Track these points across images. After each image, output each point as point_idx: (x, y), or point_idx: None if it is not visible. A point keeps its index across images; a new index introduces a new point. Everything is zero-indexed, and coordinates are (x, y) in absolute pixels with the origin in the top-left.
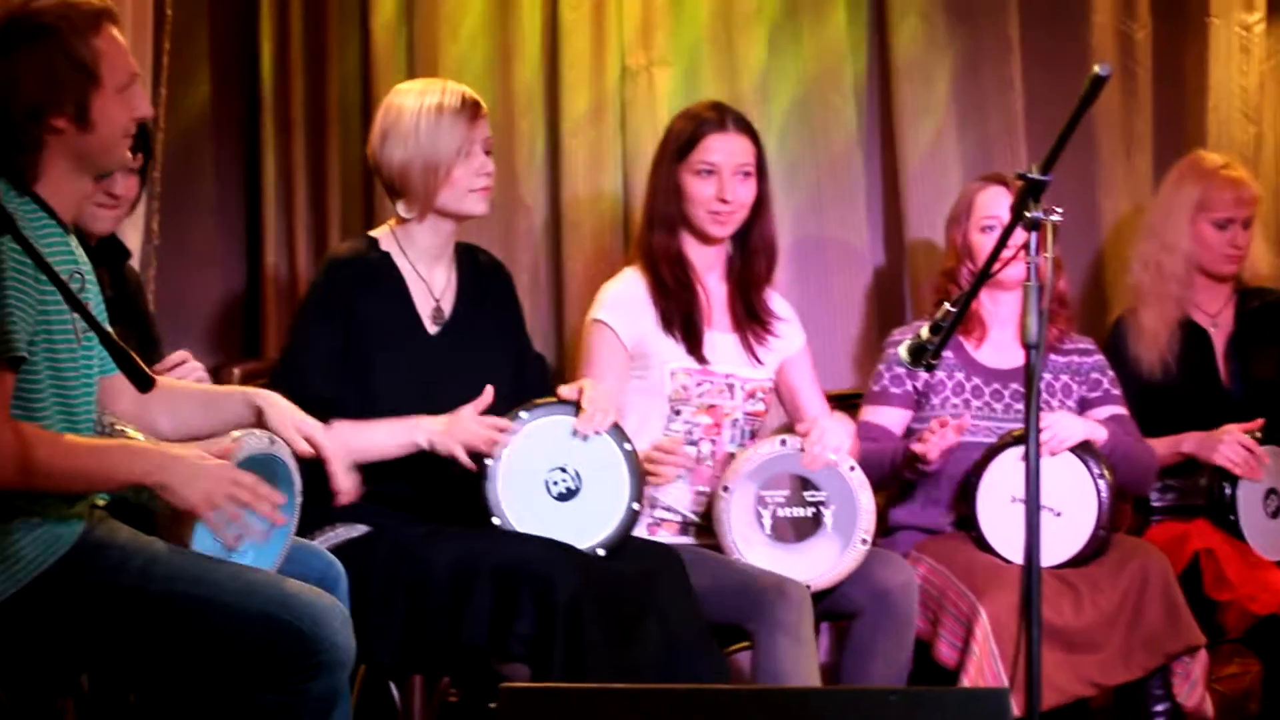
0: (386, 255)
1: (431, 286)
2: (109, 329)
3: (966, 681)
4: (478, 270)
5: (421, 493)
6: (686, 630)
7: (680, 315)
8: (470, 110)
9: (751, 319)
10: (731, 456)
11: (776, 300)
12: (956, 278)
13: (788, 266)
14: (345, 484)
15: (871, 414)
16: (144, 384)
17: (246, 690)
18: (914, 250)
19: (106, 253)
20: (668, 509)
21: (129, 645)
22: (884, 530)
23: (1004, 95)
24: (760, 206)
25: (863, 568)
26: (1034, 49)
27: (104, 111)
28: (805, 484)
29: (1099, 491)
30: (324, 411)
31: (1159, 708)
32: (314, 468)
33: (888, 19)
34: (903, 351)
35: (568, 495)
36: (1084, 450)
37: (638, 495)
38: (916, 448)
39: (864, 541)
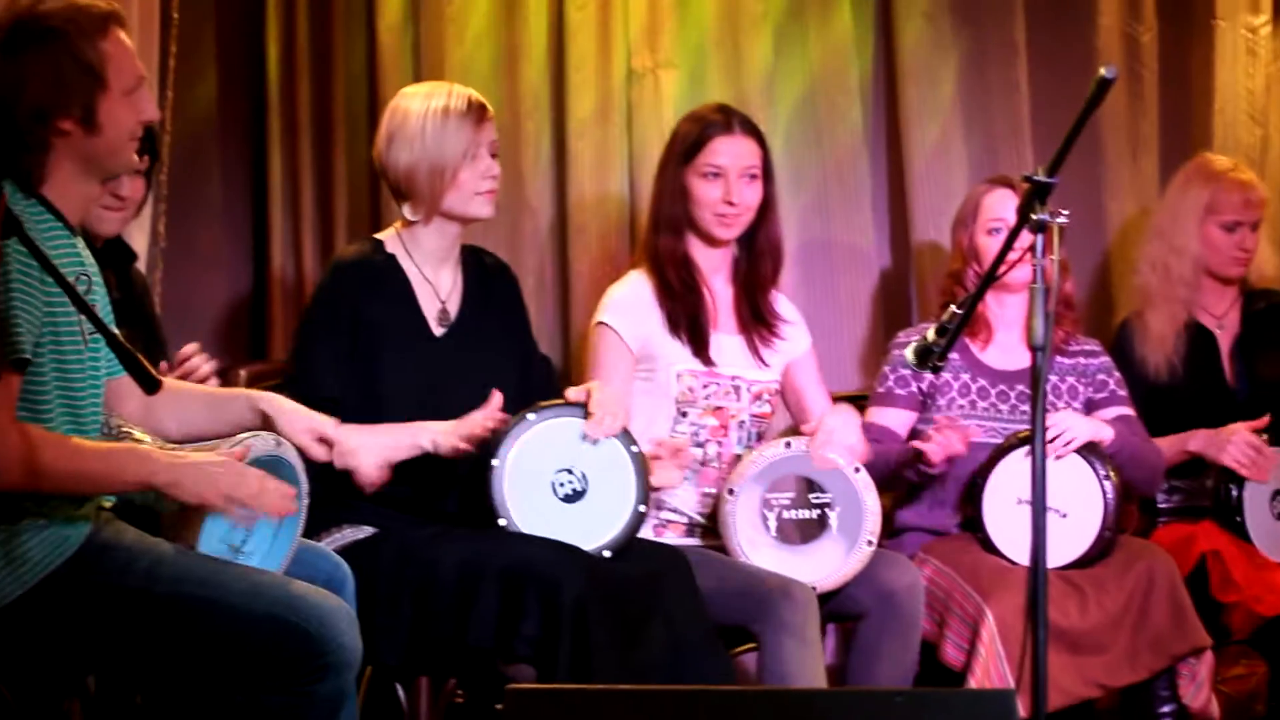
0: (392, 258)
1: (437, 289)
2: (115, 331)
3: (972, 683)
4: (483, 272)
5: (426, 494)
6: (692, 632)
7: (686, 317)
8: (476, 113)
9: (757, 321)
10: (738, 458)
11: (782, 302)
12: (962, 280)
13: (794, 268)
14: (371, 475)
15: (876, 415)
16: (150, 386)
17: (252, 691)
18: (920, 252)
19: (113, 255)
20: (674, 510)
21: (135, 646)
22: (890, 532)
23: (1010, 97)
24: (766, 209)
25: (869, 569)
26: (1040, 51)
27: (111, 114)
28: (811, 486)
29: (1105, 493)
30: (334, 414)
31: (1165, 709)
32: (322, 470)
33: (893, 21)
34: (909, 353)
35: (574, 497)
36: (1090, 451)
37: (644, 497)
38: (920, 445)
39: (869, 543)
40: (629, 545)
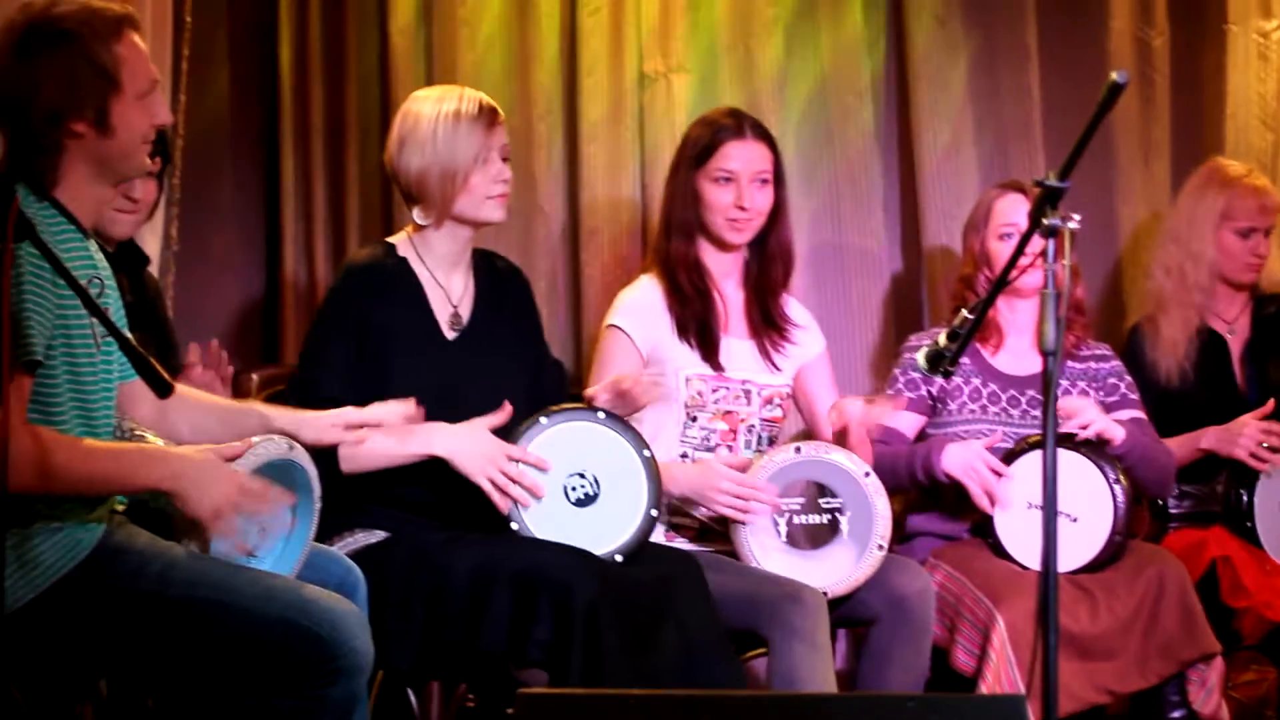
0: (404, 261)
1: (449, 293)
2: (128, 334)
3: (983, 688)
4: (495, 276)
5: (442, 499)
6: (704, 636)
7: (696, 322)
8: (487, 117)
9: (768, 325)
10: (748, 460)
11: (794, 306)
12: (974, 284)
13: (805, 272)
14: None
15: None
16: (162, 390)
17: (265, 695)
18: (931, 256)
19: (125, 258)
20: (685, 515)
21: (147, 650)
22: (901, 537)
23: (1021, 101)
24: (777, 213)
25: (879, 574)
26: (1051, 55)
27: (124, 117)
28: (822, 490)
29: (1115, 497)
30: None
31: (1175, 715)
32: (332, 474)
33: (904, 25)
34: (920, 358)
35: (586, 501)
36: (1100, 455)
37: (656, 502)
38: (978, 501)
39: (880, 548)
40: (641, 550)
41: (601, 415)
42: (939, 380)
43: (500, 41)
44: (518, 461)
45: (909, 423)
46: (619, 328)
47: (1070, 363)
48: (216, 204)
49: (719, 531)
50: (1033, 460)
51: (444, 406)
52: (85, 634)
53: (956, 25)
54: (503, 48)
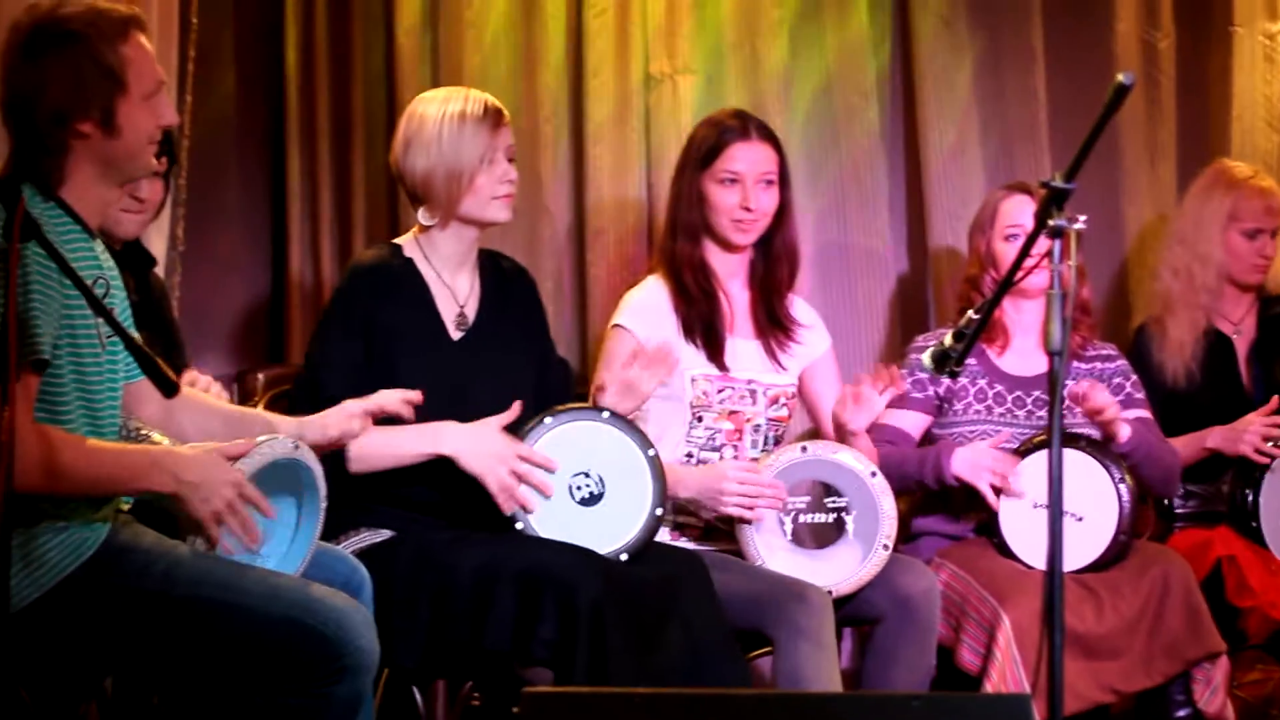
0: (410, 262)
1: (455, 293)
2: (134, 334)
3: (989, 687)
4: (501, 276)
5: (447, 498)
6: (709, 635)
7: (701, 322)
8: (493, 118)
9: (774, 325)
10: (754, 462)
11: (800, 306)
12: (980, 285)
13: (811, 273)
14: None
15: (890, 417)
16: (168, 390)
17: (270, 694)
18: (937, 257)
19: (131, 258)
20: (690, 514)
21: (153, 649)
22: (906, 536)
23: (1027, 103)
24: (782, 214)
25: (885, 573)
26: (1057, 57)
27: (130, 118)
28: (827, 490)
29: (1120, 496)
30: None
31: (1180, 714)
32: (340, 474)
33: (910, 26)
34: (926, 359)
35: (591, 500)
36: (1105, 455)
37: (661, 501)
38: (988, 498)
39: (885, 547)
40: (646, 549)
41: (606, 415)
42: (945, 380)
43: (506, 43)
44: (525, 460)
45: (915, 423)
46: (625, 328)
47: (1076, 363)
48: (222, 204)
49: (724, 531)
50: (1038, 460)
51: (450, 406)
52: (91, 633)
53: (962, 26)
54: (508, 49)
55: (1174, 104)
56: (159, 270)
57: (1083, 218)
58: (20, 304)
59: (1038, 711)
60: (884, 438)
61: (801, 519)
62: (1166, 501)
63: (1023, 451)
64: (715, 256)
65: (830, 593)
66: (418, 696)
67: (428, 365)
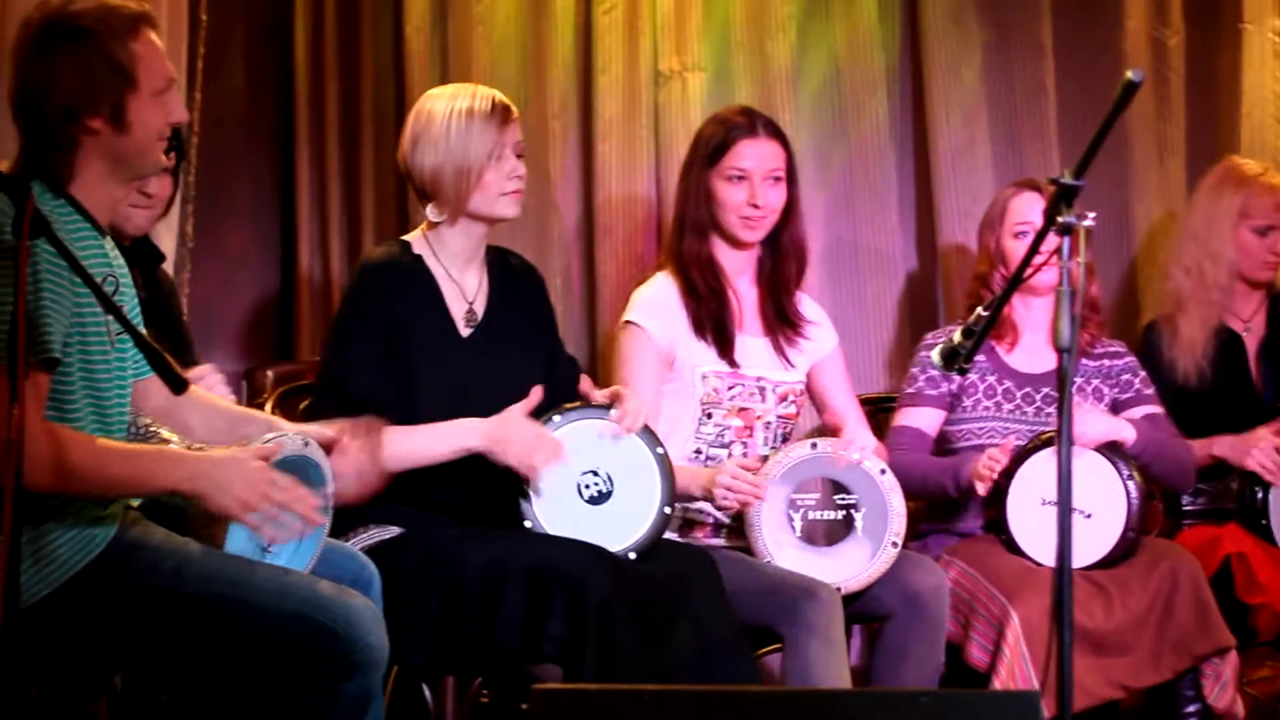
0: (419, 259)
1: (464, 289)
2: (143, 331)
3: (997, 684)
4: (509, 273)
5: (458, 495)
6: (719, 632)
7: (711, 319)
8: (501, 114)
9: (782, 322)
10: (764, 460)
11: (807, 303)
12: (989, 282)
13: (820, 271)
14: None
15: (907, 416)
16: (178, 387)
17: (279, 691)
18: (946, 255)
19: (139, 254)
20: (699, 511)
21: (162, 646)
22: (915, 533)
23: (1036, 100)
24: (790, 211)
25: (894, 570)
26: (1066, 54)
27: (140, 114)
28: (837, 487)
29: (1128, 493)
30: (368, 414)
31: (1190, 709)
32: None
33: (919, 22)
34: (935, 356)
35: (600, 499)
36: (1113, 452)
37: (670, 499)
38: (980, 488)
39: (895, 545)
40: (655, 546)
41: (614, 413)
42: (955, 377)
43: (515, 39)
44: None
45: (931, 420)
46: (638, 324)
47: (1084, 360)
48: (231, 201)
49: (734, 528)
50: (1047, 457)
51: (459, 402)
52: (100, 630)
53: (971, 23)
54: (518, 45)
55: (1183, 101)
56: (168, 267)
57: (1092, 214)
58: (30, 302)
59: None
60: (903, 441)
61: (811, 516)
62: (1176, 498)
63: (1031, 449)
64: (723, 253)
65: (839, 590)
66: (427, 693)
67: (438, 362)
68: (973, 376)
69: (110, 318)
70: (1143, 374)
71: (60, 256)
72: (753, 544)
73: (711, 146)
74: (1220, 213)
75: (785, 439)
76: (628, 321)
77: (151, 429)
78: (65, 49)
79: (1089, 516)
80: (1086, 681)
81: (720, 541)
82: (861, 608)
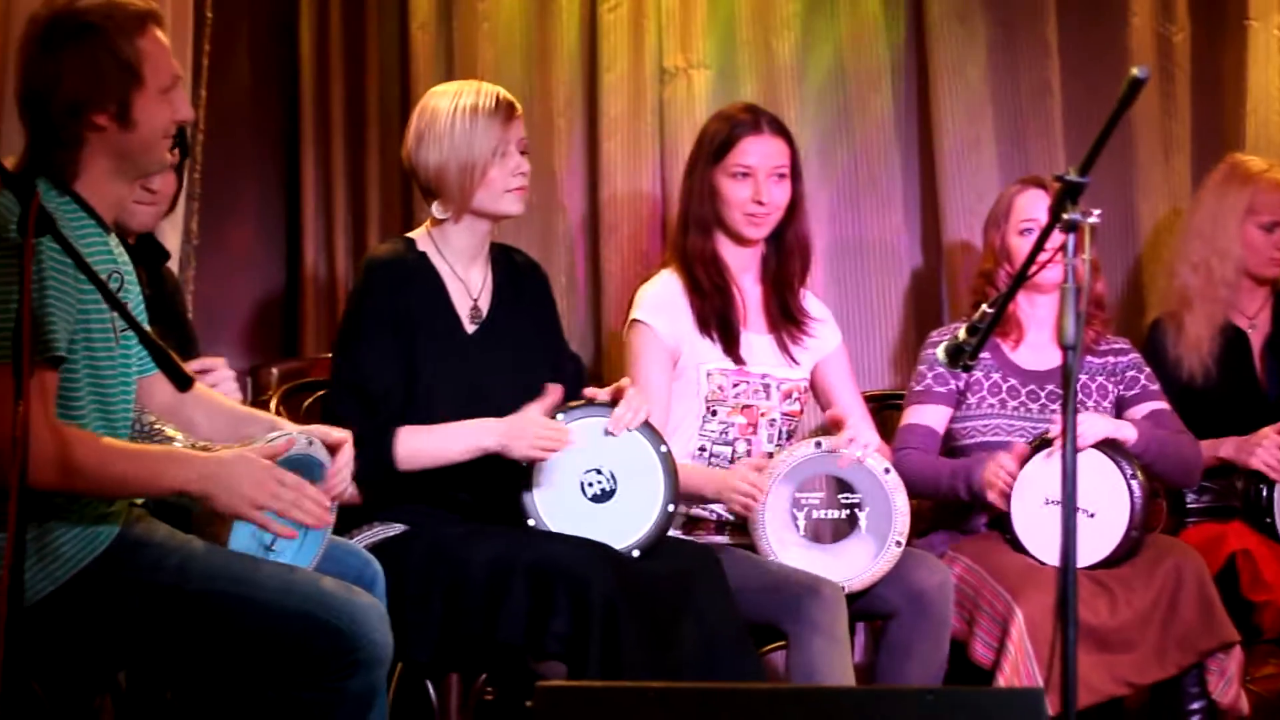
0: (424, 256)
1: (469, 286)
2: (148, 328)
3: (1002, 681)
4: (514, 270)
5: (463, 493)
6: (723, 630)
7: (716, 316)
8: (505, 111)
9: (787, 319)
10: (768, 457)
11: (811, 300)
12: (994, 280)
13: (825, 268)
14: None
15: (916, 414)
16: (183, 383)
17: (283, 688)
18: (951, 252)
19: (144, 252)
20: (703, 509)
21: (166, 643)
22: (919, 531)
23: (1041, 97)
24: (795, 208)
25: (898, 568)
26: (1071, 51)
27: (145, 111)
28: (841, 485)
29: (1131, 492)
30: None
31: (1194, 705)
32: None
33: (924, 19)
34: (940, 353)
35: (603, 497)
36: (1116, 451)
37: (673, 497)
38: (991, 496)
39: (899, 543)
40: (658, 544)
41: (617, 409)
42: (962, 374)
43: (520, 37)
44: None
45: (940, 418)
46: (645, 323)
47: (1089, 358)
48: (237, 199)
49: (738, 525)
50: (1049, 455)
51: (466, 400)
52: (104, 627)
53: (975, 20)
54: (523, 43)
55: (1188, 98)
56: (172, 264)
57: (1097, 212)
58: (35, 299)
59: (1051, 705)
60: (913, 439)
61: (815, 514)
62: (1180, 496)
63: (1035, 447)
64: (728, 250)
65: (843, 588)
66: (431, 690)
67: (444, 358)
68: (978, 374)
69: (115, 315)
70: (1148, 370)
71: (65, 253)
72: (756, 542)
73: (716, 143)
74: (1226, 209)
75: (789, 436)
76: (635, 320)
77: (156, 426)
78: (71, 45)
79: (1092, 516)
80: (1091, 678)
81: (724, 539)
82: (866, 605)
